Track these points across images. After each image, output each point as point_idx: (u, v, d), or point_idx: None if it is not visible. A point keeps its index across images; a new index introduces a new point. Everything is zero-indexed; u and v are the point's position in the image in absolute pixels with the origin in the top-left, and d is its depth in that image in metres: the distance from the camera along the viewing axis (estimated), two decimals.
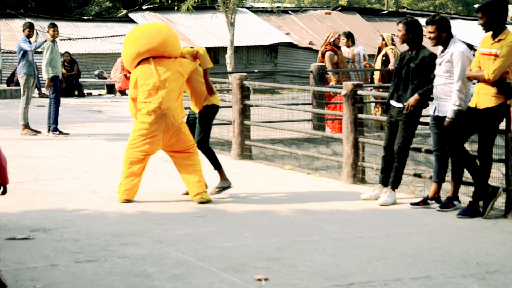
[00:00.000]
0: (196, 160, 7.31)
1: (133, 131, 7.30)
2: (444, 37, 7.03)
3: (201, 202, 7.17)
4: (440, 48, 7.11)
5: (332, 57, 13.41)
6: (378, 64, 13.69)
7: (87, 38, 27.52)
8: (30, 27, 12.57)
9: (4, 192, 4.89)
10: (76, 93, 21.43)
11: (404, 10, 37.64)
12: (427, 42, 7.29)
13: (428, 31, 7.09)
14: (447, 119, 6.89)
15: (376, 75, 13.85)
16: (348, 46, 13.95)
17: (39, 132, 12.32)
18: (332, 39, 13.51)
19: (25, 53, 12.34)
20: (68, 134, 12.28)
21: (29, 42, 12.52)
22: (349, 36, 14.04)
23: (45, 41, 12.43)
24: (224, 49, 26.32)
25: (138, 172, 7.26)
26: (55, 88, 12.24)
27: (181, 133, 7.28)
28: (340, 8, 35.21)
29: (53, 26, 12.44)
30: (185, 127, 7.36)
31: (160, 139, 7.21)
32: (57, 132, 12.19)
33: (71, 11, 32.82)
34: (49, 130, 12.25)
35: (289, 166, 9.65)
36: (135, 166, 7.23)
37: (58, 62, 12.38)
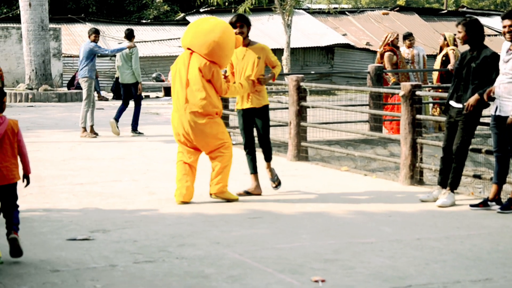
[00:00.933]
0: (223, 161, 7.25)
1: None
2: None
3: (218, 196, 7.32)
4: (507, 45, 6.93)
5: (391, 58, 13.29)
6: (437, 64, 13.50)
7: (145, 42, 27.92)
8: (96, 32, 13.00)
9: (28, 183, 5.38)
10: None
11: (464, 9, 37.00)
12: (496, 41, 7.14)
13: (504, 25, 6.91)
14: (510, 117, 6.75)
15: (435, 75, 13.66)
16: (408, 47, 13.81)
17: (97, 134, 12.57)
18: (390, 39, 13.39)
19: (93, 57, 12.80)
20: (142, 133, 12.97)
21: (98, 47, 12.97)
22: (409, 37, 13.88)
23: (126, 47, 13.09)
24: (280, 51, 26.36)
25: (190, 173, 7.29)
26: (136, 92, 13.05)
27: (207, 134, 7.16)
28: (398, 8, 34.86)
29: (131, 32, 13.23)
30: (211, 127, 7.17)
31: (189, 139, 7.22)
32: (137, 133, 12.91)
33: (130, 15, 33.39)
34: (132, 130, 12.95)
35: (345, 168, 9.59)
36: (185, 167, 7.29)
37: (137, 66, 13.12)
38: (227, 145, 7.30)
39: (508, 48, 6.93)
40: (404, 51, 13.75)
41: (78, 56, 25.61)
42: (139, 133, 12.90)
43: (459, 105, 7.23)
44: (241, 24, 7.52)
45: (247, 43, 7.63)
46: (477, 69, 7.13)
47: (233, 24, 7.50)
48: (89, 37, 12.99)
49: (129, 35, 13.16)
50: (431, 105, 13.49)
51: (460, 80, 7.28)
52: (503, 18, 6.97)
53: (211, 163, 7.37)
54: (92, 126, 12.58)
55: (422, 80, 13.74)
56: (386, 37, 13.55)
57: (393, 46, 13.42)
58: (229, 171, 7.37)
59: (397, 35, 13.64)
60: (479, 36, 7.22)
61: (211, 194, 7.37)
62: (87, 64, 12.72)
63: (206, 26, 7.21)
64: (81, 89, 21.00)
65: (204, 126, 7.15)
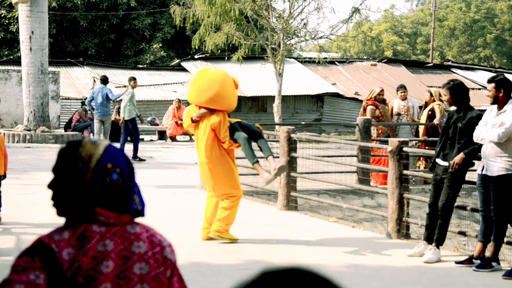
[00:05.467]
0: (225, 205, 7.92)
1: None
2: (501, 97, 7.08)
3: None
4: (493, 108, 7.17)
5: (373, 111, 13.60)
6: (423, 118, 13.79)
7: (141, 86, 28.29)
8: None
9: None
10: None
11: (449, 63, 37.69)
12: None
13: (488, 89, 7.19)
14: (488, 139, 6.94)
15: (421, 128, 13.94)
16: (402, 99, 14.08)
17: None
18: (374, 95, 13.72)
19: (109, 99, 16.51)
20: (145, 160, 15.67)
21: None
22: (400, 89, 14.19)
23: (125, 91, 16.13)
24: (272, 98, 26.71)
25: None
26: (135, 126, 16.00)
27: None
28: (385, 60, 35.47)
29: (133, 79, 16.22)
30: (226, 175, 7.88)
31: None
32: (137, 159, 15.09)
33: (127, 59, 33.85)
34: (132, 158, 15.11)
35: (334, 219, 9.78)
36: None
37: (134, 106, 15.93)
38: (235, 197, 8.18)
39: (496, 113, 7.15)
40: (399, 103, 14.01)
41: (76, 99, 26.01)
42: (140, 159, 15.40)
43: (445, 163, 7.47)
44: None
45: None
46: (463, 129, 7.38)
47: None
48: (102, 82, 16.46)
49: (130, 80, 16.35)
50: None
51: (447, 138, 7.53)
52: (488, 82, 7.25)
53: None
54: None
55: (416, 132, 13.98)
56: (371, 92, 13.89)
57: (376, 100, 13.73)
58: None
59: (382, 90, 13.98)
60: (464, 98, 7.49)
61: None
62: (106, 105, 16.31)
63: (205, 83, 7.70)
64: (78, 131, 21.33)
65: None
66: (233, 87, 8.04)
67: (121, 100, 16.64)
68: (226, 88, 7.93)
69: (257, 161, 7.94)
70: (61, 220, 2.25)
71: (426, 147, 13.21)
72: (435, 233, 7.49)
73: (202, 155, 7.89)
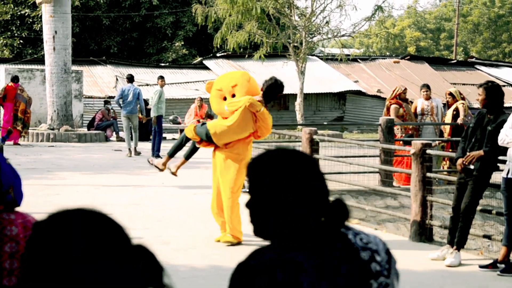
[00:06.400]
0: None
1: None
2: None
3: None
4: None
5: (397, 110, 13.50)
6: (448, 118, 13.64)
7: (165, 84, 28.42)
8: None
9: None
10: (150, 137, 22.05)
11: (473, 59, 37.38)
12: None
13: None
14: None
15: (447, 128, 13.81)
16: (426, 99, 13.95)
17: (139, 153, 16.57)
18: (398, 93, 13.62)
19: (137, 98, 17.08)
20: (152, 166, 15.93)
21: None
22: (423, 87, 14.07)
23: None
24: (294, 96, 26.67)
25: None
26: (160, 124, 16.40)
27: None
28: (408, 56, 35.25)
29: (161, 78, 17.14)
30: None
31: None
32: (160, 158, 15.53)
33: (149, 57, 34.01)
34: (152, 155, 15.61)
35: (356, 221, 9.73)
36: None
37: (163, 104, 16.64)
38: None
39: None
40: (423, 102, 13.88)
41: (98, 97, 26.24)
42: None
43: (471, 166, 7.37)
44: None
45: None
46: (492, 132, 7.23)
47: None
48: (129, 81, 17.18)
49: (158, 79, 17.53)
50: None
51: (475, 141, 7.37)
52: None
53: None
54: (135, 148, 16.77)
55: (440, 132, 13.86)
56: (394, 90, 13.78)
57: (400, 99, 13.63)
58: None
59: (405, 89, 13.87)
60: (499, 101, 7.34)
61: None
62: (136, 104, 17.03)
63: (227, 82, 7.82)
64: (100, 129, 21.49)
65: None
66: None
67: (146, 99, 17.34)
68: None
69: (171, 156, 8.49)
70: None
71: (450, 150, 13.10)
72: (456, 236, 7.42)
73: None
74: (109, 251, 1.58)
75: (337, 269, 1.91)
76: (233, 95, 7.67)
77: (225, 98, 7.72)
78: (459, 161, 7.33)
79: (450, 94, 13.69)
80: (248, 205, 1.95)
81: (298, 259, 1.87)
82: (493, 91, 7.34)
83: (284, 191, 1.89)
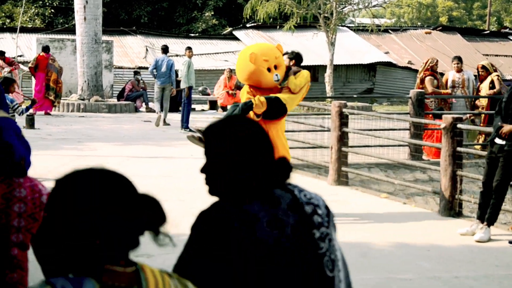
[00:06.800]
0: None
1: None
2: None
3: None
4: None
5: (432, 81, 13.39)
6: (484, 91, 13.43)
7: (193, 54, 28.42)
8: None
9: None
10: (180, 108, 22.15)
11: (507, 30, 36.77)
12: None
13: None
14: None
15: (484, 102, 13.60)
16: (458, 71, 13.80)
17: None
18: (430, 65, 13.50)
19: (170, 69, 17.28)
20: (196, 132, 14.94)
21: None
22: (455, 60, 13.92)
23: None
24: (323, 67, 26.54)
25: None
26: (189, 95, 16.47)
27: None
28: (440, 27, 34.80)
29: (189, 48, 17.37)
30: None
31: None
32: (188, 130, 15.16)
33: (179, 27, 34.00)
34: (182, 127, 16.02)
35: (385, 195, 9.73)
36: None
37: (192, 75, 16.66)
38: None
39: None
40: (455, 75, 13.74)
41: (128, 68, 26.38)
42: (191, 130, 14.93)
43: (502, 141, 7.30)
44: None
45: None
46: None
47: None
48: (164, 52, 17.48)
49: (186, 50, 17.74)
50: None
51: (507, 115, 7.28)
52: None
53: None
54: (165, 119, 17.02)
55: (472, 105, 13.72)
56: (426, 63, 13.64)
57: (432, 71, 13.52)
58: None
59: (437, 61, 13.74)
60: None
61: None
62: (170, 75, 17.20)
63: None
64: (130, 100, 21.61)
65: None
66: (245, 61, 7.32)
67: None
68: (239, 62, 7.42)
69: None
70: None
71: (485, 124, 12.96)
72: (488, 212, 7.40)
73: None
74: (117, 204, 1.79)
75: (286, 220, 2.21)
76: (275, 66, 7.45)
77: (268, 69, 7.48)
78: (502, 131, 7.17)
79: (483, 67, 13.53)
80: (203, 169, 2.26)
81: (253, 211, 2.17)
82: None
83: (233, 154, 2.21)
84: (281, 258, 2.17)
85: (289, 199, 2.25)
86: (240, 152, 2.21)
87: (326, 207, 2.35)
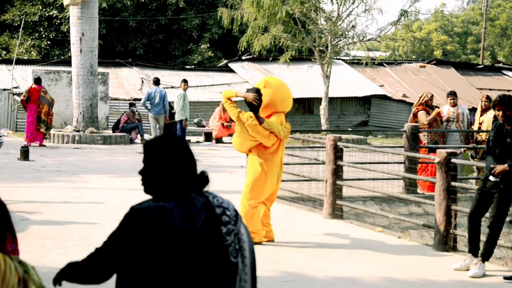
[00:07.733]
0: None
1: None
2: None
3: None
4: None
5: (425, 116, 13.45)
6: (486, 124, 13.42)
7: (188, 87, 28.52)
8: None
9: None
10: None
11: (500, 64, 37.05)
12: None
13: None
14: None
15: (483, 134, 13.59)
16: (452, 106, 13.86)
17: None
18: (425, 100, 13.57)
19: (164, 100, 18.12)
20: None
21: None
22: (450, 95, 13.98)
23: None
24: (318, 100, 26.64)
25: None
26: (185, 126, 17.16)
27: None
28: (434, 61, 35.05)
29: (185, 81, 18.16)
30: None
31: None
32: None
33: (175, 59, 34.17)
34: None
35: (379, 229, 9.70)
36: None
37: (187, 107, 17.62)
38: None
39: None
40: (449, 109, 13.80)
41: (124, 100, 26.49)
42: None
43: (496, 179, 7.29)
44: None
45: None
46: None
47: None
48: (155, 84, 18.15)
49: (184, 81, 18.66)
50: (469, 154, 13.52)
51: (497, 153, 7.29)
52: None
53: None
54: None
55: (466, 139, 13.75)
56: (421, 97, 13.72)
57: (426, 106, 13.58)
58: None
59: (432, 95, 13.81)
60: None
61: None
62: (163, 105, 18.01)
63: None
64: (125, 132, 21.62)
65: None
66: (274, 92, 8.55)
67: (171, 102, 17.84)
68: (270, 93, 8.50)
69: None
70: None
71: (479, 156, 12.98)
72: (482, 248, 7.37)
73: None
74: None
75: (198, 217, 2.86)
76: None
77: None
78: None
79: (488, 97, 13.60)
80: (140, 172, 2.96)
81: (168, 207, 2.82)
82: (509, 102, 7.26)
83: (161, 164, 2.91)
84: (192, 244, 2.78)
85: (202, 201, 2.91)
86: (166, 163, 2.90)
87: (235, 210, 3.00)
